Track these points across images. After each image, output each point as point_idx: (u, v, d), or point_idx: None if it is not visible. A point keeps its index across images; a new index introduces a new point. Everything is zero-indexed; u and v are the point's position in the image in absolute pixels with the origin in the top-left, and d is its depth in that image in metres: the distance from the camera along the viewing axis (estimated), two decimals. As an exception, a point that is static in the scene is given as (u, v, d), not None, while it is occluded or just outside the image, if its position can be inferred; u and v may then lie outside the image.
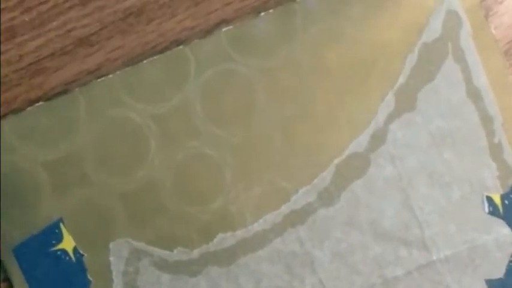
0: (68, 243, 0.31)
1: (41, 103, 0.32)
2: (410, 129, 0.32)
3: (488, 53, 0.31)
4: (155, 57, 0.32)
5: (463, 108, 0.32)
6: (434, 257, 0.32)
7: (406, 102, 0.32)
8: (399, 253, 0.32)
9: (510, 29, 0.32)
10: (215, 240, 0.32)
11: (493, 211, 0.32)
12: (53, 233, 0.31)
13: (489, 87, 0.31)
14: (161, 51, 0.32)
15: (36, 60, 0.32)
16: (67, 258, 0.31)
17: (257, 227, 0.32)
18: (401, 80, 0.32)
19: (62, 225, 0.31)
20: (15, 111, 0.32)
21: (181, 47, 0.32)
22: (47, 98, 0.32)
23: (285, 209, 0.32)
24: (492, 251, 0.32)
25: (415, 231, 0.32)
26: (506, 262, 0.32)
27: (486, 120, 0.32)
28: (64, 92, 0.32)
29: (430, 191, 0.32)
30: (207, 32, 0.32)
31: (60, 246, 0.31)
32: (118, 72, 0.32)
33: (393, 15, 0.31)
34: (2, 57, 0.32)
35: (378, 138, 0.32)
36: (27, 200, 0.31)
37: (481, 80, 0.31)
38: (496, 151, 0.32)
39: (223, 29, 0.31)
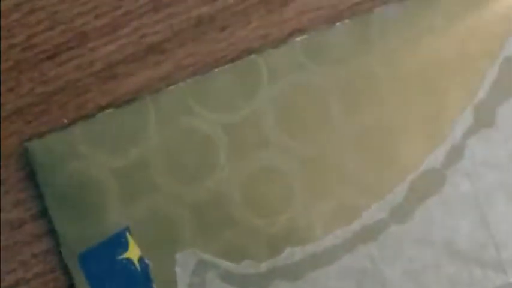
0: (133, 253, 0.30)
1: (110, 110, 0.31)
2: (489, 145, 0.30)
3: None
4: (226, 66, 0.31)
5: (544, 125, 0.30)
6: (511, 280, 0.30)
7: (485, 117, 0.30)
8: (474, 274, 0.30)
9: None
10: (283, 254, 0.30)
11: None
12: (119, 242, 0.30)
13: None
14: (233, 60, 0.31)
15: (107, 66, 0.31)
16: (132, 267, 0.30)
17: (327, 242, 0.30)
18: (481, 94, 0.30)
19: (128, 234, 0.30)
20: (85, 117, 0.31)
21: (253, 56, 0.31)
22: (117, 104, 0.31)
23: (356, 224, 0.30)
24: None
25: (491, 251, 0.30)
26: None
27: None
28: (134, 99, 0.31)
29: (508, 210, 0.30)
30: (280, 41, 0.31)
31: (126, 255, 0.30)
32: (188, 80, 0.31)
33: (475, 27, 0.30)
34: (73, 63, 0.31)
35: (455, 154, 0.30)
36: (95, 207, 0.30)
37: None
38: None
39: (298, 39, 0.30)
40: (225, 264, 0.30)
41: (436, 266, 0.30)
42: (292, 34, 0.31)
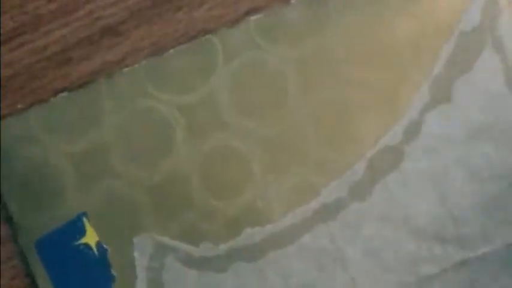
0: (91, 238, 0.29)
1: (65, 94, 0.30)
2: (446, 121, 0.29)
3: (528, 42, 0.30)
4: (182, 47, 0.30)
5: (501, 99, 0.29)
6: (470, 255, 0.29)
7: (441, 93, 0.29)
8: (433, 250, 0.29)
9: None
10: (242, 235, 0.29)
11: (533, 207, 0.30)
12: (76, 227, 0.29)
13: (529, 78, 0.30)
14: (189, 41, 0.30)
15: (62, 50, 0.30)
16: (90, 252, 0.29)
17: (286, 221, 0.29)
18: (437, 70, 0.29)
19: (85, 219, 0.30)
20: (40, 101, 0.30)
21: (208, 36, 0.30)
22: (72, 88, 0.30)
23: (315, 203, 0.29)
24: (532, 249, 0.30)
25: (450, 227, 0.29)
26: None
27: (526, 112, 0.30)
28: (90, 82, 0.30)
29: (466, 185, 0.29)
30: (236, 21, 0.30)
31: (83, 240, 0.29)
32: (144, 63, 0.30)
33: (431, 3, 0.29)
34: (27, 47, 0.30)
35: (412, 130, 0.29)
36: (51, 193, 0.29)
37: (521, 70, 0.30)
38: (536, 144, 0.30)
39: (252, 18, 0.30)
40: (184, 247, 0.29)
41: (396, 243, 0.29)
42: (248, 13, 0.30)
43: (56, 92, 0.30)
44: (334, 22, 0.29)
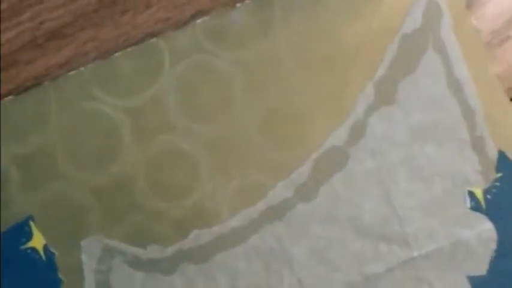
0: (37, 241, 0.29)
1: (11, 97, 0.29)
2: (390, 122, 0.29)
3: (469, 44, 0.29)
4: (128, 50, 0.29)
5: (443, 100, 0.29)
6: (416, 253, 0.29)
7: (385, 94, 0.29)
8: (379, 249, 0.29)
9: (492, 19, 0.30)
10: (190, 236, 0.29)
11: (475, 206, 0.29)
12: (22, 231, 0.29)
13: (470, 79, 0.29)
14: (135, 44, 0.29)
15: (7, 53, 0.29)
16: (37, 256, 0.28)
17: (233, 223, 0.29)
18: (381, 71, 0.29)
19: (31, 223, 0.29)
20: (-15, 105, 0.29)
21: (154, 39, 0.29)
22: (18, 91, 0.29)
23: (262, 204, 0.29)
24: (474, 246, 0.29)
25: (395, 226, 0.29)
26: (488, 258, 0.29)
27: (468, 112, 0.29)
28: (35, 85, 0.29)
29: (410, 185, 0.29)
30: (183, 23, 0.29)
31: (29, 244, 0.28)
32: (90, 66, 0.29)
33: (374, 5, 0.29)
34: (-29, 50, 0.30)
35: (357, 132, 0.29)
36: (-3, 197, 0.29)
37: (462, 71, 0.29)
38: (478, 144, 0.29)
39: (198, 21, 0.29)
40: (131, 249, 0.29)
41: (342, 242, 0.29)
42: (194, 16, 0.29)
43: (2, 95, 0.29)
44: (280, 25, 0.29)
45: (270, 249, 0.29)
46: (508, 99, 0.29)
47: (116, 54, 0.29)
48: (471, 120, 0.29)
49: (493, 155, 0.29)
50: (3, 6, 0.29)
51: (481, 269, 0.29)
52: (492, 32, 0.30)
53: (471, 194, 0.29)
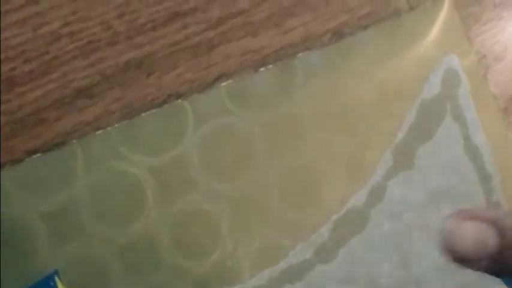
0: (62, 297, 0.28)
1: (38, 154, 0.29)
2: (409, 186, 0.29)
3: (487, 110, 0.29)
4: (153, 111, 0.29)
5: (461, 166, 0.29)
6: None
7: (404, 159, 0.29)
8: (396, 310, 0.29)
9: (509, 86, 0.30)
10: (211, 295, 0.29)
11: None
12: (47, 285, 0.28)
13: (487, 145, 0.29)
14: (160, 105, 0.29)
15: (35, 111, 0.29)
16: (61, 311, 0.28)
17: (254, 282, 0.28)
18: (400, 136, 0.29)
19: (56, 278, 0.28)
20: (14, 161, 0.29)
21: (179, 100, 0.29)
22: (46, 149, 0.29)
23: (282, 264, 0.28)
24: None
25: (411, 287, 0.29)
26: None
27: (484, 178, 0.29)
28: (62, 143, 0.29)
29: (427, 248, 0.28)
30: (207, 86, 0.29)
31: (54, 299, 0.28)
32: (116, 125, 0.29)
33: (393, 72, 0.29)
34: (2, 108, 0.29)
35: (376, 195, 0.28)
36: (24, 251, 0.28)
37: (479, 137, 0.29)
38: (494, 209, 0.29)
39: (223, 84, 0.29)
40: None
41: (360, 303, 0.29)
42: (218, 79, 0.29)
43: (29, 153, 0.29)
44: (301, 89, 0.29)
45: (290, 308, 0.29)
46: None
47: (142, 114, 0.29)
48: (487, 186, 0.29)
49: (509, 218, 0.29)
50: (33, 65, 0.29)
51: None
52: (509, 98, 0.30)
53: (487, 258, 0.29)
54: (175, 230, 0.29)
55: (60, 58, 0.29)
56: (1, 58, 0.29)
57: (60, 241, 0.28)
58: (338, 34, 0.29)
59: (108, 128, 0.28)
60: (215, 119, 0.28)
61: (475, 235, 0.20)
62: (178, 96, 0.29)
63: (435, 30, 0.29)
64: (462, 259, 0.20)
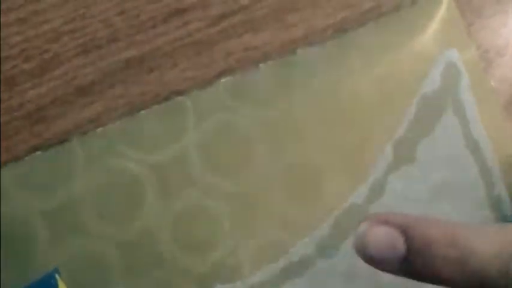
0: (63, 295, 0.27)
1: (40, 152, 0.27)
2: (409, 181, 0.27)
3: (487, 105, 0.28)
4: (154, 108, 0.27)
5: (461, 160, 0.27)
6: None
7: (405, 154, 0.27)
8: (399, 305, 0.28)
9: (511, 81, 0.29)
10: (213, 291, 0.27)
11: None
12: (48, 284, 0.27)
13: (488, 140, 0.28)
14: (162, 102, 0.28)
15: (37, 109, 0.28)
16: (62, 309, 0.27)
17: (255, 278, 0.27)
18: (400, 132, 0.27)
19: (57, 276, 0.27)
20: (15, 159, 0.27)
21: (180, 97, 0.28)
22: (47, 146, 0.28)
23: (283, 261, 0.27)
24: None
25: (414, 283, 0.28)
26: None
27: (485, 172, 0.27)
28: (64, 141, 0.28)
29: (429, 243, 0.28)
30: (209, 82, 0.28)
31: (55, 297, 0.27)
32: (117, 122, 0.27)
33: (393, 67, 0.27)
34: (2, 105, 0.28)
35: (377, 190, 0.27)
36: (24, 249, 0.27)
37: (480, 132, 0.27)
38: (495, 203, 0.28)
39: (222, 80, 0.28)
40: None
41: (362, 299, 0.28)
42: (219, 76, 0.28)
43: (30, 150, 0.28)
44: (300, 85, 0.27)
45: (291, 304, 0.28)
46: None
47: (143, 111, 0.28)
48: (489, 180, 0.27)
49: (511, 214, 0.28)
50: (34, 63, 0.28)
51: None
52: (511, 94, 0.29)
53: (489, 253, 0.28)
54: (175, 227, 0.27)
55: (61, 56, 0.28)
56: (1, 57, 0.28)
57: (60, 239, 0.27)
58: (340, 30, 0.28)
59: (108, 125, 0.28)
60: (215, 115, 0.27)
61: (384, 238, 0.21)
62: (180, 93, 0.28)
63: (435, 25, 0.28)
64: (372, 260, 0.21)
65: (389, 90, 0.27)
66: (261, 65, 0.27)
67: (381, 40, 0.27)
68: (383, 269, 0.22)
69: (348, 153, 0.27)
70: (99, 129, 0.27)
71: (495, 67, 0.28)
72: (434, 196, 0.27)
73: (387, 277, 0.27)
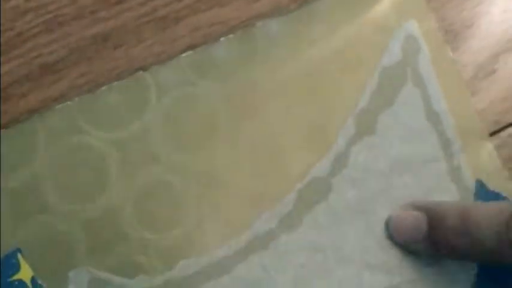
0: (25, 274, 0.25)
1: (3, 130, 0.26)
2: (372, 152, 0.26)
3: (448, 78, 0.26)
4: (114, 83, 0.26)
5: (422, 132, 0.26)
6: (399, 280, 0.25)
7: (366, 126, 0.26)
8: (363, 277, 0.25)
9: (478, 52, 0.27)
10: (177, 267, 0.25)
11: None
12: (10, 263, 0.25)
13: (449, 112, 0.26)
14: (127, 78, 0.27)
15: (1, 87, 0.26)
16: (25, 288, 0.26)
17: (220, 253, 0.25)
18: (362, 104, 0.26)
19: (19, 255, 0.25)
20: (-23, 138, 0.26)
21: (141, 72, 0.26)
22: (11, 125, 0.26)
23: (247, 235, 0.25)
24: (456, 273, 0.26)
25: (378, 254, 0.26)
26: (470, 283, 0.26)
27: (445, 143, 0.26)
28: (29, 119, 0.26)
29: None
30: (175, 57, 0.26)
31: (17, 276, 0.25)
32: (76, 99, 0.25)
33: (354, 38, 0.26)
34: (-35, 85, 0.27)
35: (340, 162, 0.26)
36: (-15, 229, 0.26)
37: (441, 105, 0.26)
38: (455, 174, 0.26)
39: (183, 54, 0.26)
40: (119, 280, 0.25)
41: (326, 271, 0.25)
42: (185, 51, 0.26)
43: (-4, 129, 0.26)
44: (260, 57, 0.26)
45: (257, 278, 0.25)
46: (486, 132, 0.27)
47: (103, 87, 0.26)
48: (449, 151, 0.26)
49: (471, 184, 0.26)
50: (-2, 42, 0.27)
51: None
52: (477, 65, 0.27)
53: (451, 223, 0.26)
54: (139, 204, 0.25)
55: (25, 34, 0.26)
56: (-36, 36, 0.27)
57: (22, 218, 0.25)
58: (302, 2, 0.27)
59: (68, 102, 0.26)
60: (177, 89, 0.25)
61: (411, 223, 0.25)
62: (147, 69, 0.26)
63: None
64: (404, 241, 0.25)
65: (351, 62, 0.26)
66: (222, 39, 0.26)
67: (340, 11, 0.26)
68: (412, 248, 0.25)
69: (309, 125, 0.25)
70: (59, 106, 0.25)
71: (461, 39, 0.27)
72: (395, 167, 0.25)
73: (349, 249, 0.25)
